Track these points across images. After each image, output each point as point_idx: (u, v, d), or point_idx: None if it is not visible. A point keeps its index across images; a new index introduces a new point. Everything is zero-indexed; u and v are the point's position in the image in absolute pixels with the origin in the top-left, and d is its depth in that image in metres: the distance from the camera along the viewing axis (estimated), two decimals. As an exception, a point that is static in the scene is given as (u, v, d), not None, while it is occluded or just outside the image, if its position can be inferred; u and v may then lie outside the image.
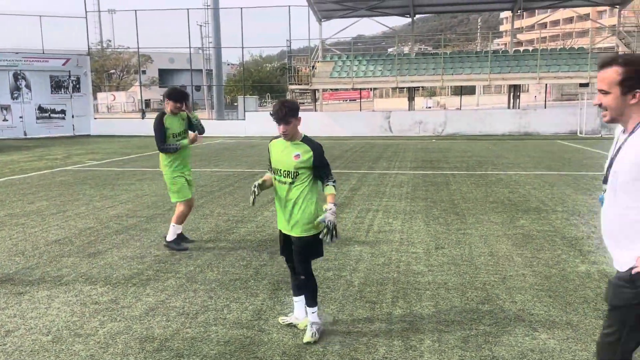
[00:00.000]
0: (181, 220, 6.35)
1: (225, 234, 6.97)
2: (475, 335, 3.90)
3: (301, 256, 3.88)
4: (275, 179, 3.89)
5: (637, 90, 2.27)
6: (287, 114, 3.66)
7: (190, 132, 6.41)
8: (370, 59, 29.16)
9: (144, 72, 59.76)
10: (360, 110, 35.20)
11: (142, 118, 30.64)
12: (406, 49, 35.16)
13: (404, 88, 31.09)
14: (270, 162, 3.94)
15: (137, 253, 6.10)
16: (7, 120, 27.45)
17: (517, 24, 44.23)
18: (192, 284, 5.08)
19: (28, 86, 27.96)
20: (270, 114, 3.74)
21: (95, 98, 55.97)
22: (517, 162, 14.39)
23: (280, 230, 4.00)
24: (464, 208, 8.36)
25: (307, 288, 3.94)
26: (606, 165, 2.47)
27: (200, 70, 49.30)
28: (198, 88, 51.08)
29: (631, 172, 2.25)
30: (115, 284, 5.09)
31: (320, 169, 3.79)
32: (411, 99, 28.77)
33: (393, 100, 55.98)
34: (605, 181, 2.46)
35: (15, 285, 5.06)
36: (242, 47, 30.74)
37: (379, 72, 27.68)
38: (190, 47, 30.77)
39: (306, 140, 3.83)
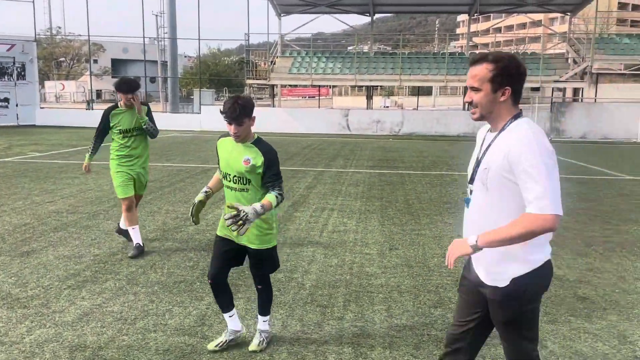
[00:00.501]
0: (128, 222, 5.78)
1: (173, 233, 6.65)
2: (427, 341, 3.79)
3: (260, 270, 3.59)
4: (224, 183, 3.50)
5: (507, 87, 2.24)
6: (240, 114, 3.24)
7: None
8: (330, 56, 29.04)
9: (95, 61, 57.61)
10: (319, 107, 35.10)
11: (87, 109, 29.49)
12: (365, 48, 35.25)
13: (362, 86, 31.16)
14: (218, 162, 3.55)
15: (75, 252, 5.72)
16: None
17: (474, 27, 45.25)
18: (133, 286, 4.77)
19: (-32, 71, 26.39)
20: (221, 112, 3.28)
21: (42, 87, 53.65)
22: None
23: (220, 237, 3.56)
24: (419, 208, 8.33)
25: (265, 297, 3.66)
26: (471, 165, 2.42)
27: (155, 62, 47.96)
28: (153, 80, 49.74)
29: (503, 165, 2.19)
30: (48, 286, 4.72)
31: (268, 176, 3.33)
32: (369, 97, 28.86)
33: (352, 98, 56.17)
34: (471, 181, 2.39)
35: None
36: (199, 39, 30.09)
37: (338, 70, 27.61)
38: (144, 37, 29.82)
39: (259, 142, 3.41)
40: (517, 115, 2.27)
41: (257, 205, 3.17)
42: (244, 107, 3.26)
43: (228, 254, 3.54)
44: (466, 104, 2.35)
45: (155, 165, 12.78)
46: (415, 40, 60.61)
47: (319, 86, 35.11)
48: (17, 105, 27.51)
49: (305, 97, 57.11)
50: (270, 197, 3.29)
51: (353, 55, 28.15)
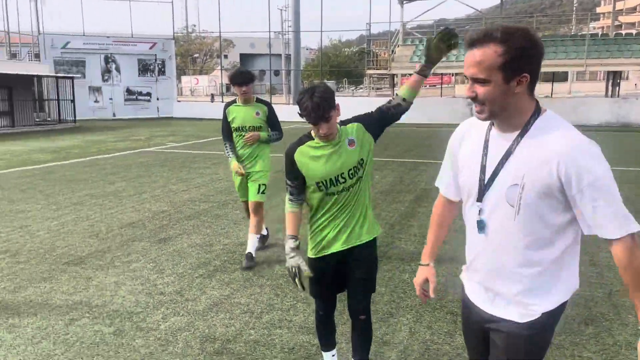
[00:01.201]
0: (252, 228, 5.22)
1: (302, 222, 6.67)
2: (579, 365, 3.31)
3: (368, 281, 2.94)
4: (329, 192, 2.78)
5: (524, 73, 1.65)
6: (324, 109, 2.59)
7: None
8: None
9: (225, 56, 61.23)
10: (441, 96, 33.91)
11: (212, 101, 31.25)
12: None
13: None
14: (296, 184, 2.84)
15: (206, 241, 5.95)
16: (98, 102, 28.96)
17: (619, 4, 40.65)
18: (259, 278, 4.82)
19: (118, 69, 29.30)
20: (300, 114, 2.65)
21: (179, 81, 58.11)
22: (614, 156, 13.06)
23: (319, 258, 2.90)
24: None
25: (368, 333, 3.04)
26: (474, 175, 1.81)
27: (280, 55, 49.61)
28: (277, 73, 51.53)
29: (550, 180, 1.65)
30: (182, 273, 4.93)
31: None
32: (496, 85, 27.18)
33: (476, 86, 53.48)
34: (480, 197, 1.80)
35: (85, 269, 5.03)
36: (321, 31, 30.45)
37: (462, 57, 26.33)
38: (270, 32, 30.89)
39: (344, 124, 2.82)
40: (538, 110, 1.73)
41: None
42: (325, 100, 2.59)
43: (337, 270, 2.94)
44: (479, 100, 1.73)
45: (275, 156, 13.13)
46: (548, 22, 56.12)
47: (442, 74, 33.88)
48: (157, 99, 30.05)
49: (425, 86, 55.62)
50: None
51: (479, 41, 26.68)
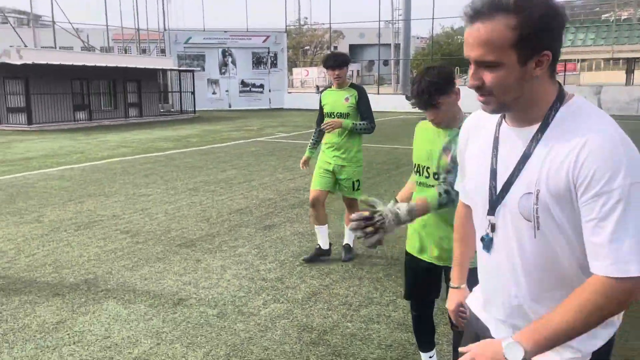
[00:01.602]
0: (312, 218, 5.06)
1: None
2: None
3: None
4: (420, 181, 2.60)
5: (545, 51, 1.24)
6: (432, 95, 2.32)
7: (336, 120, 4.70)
8: (581, 26, 25.58)
9: (335, 47, 61.76)
10: (564, 84, 31.43)
11: (317, 92, 31.59)
12: (625, 14, 30.12)
13: (619, 59, 26.79)
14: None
15: (308, 229, 5.99)
16: (215, 94, 30.66)
17: None
18: (358, 270, 4.75)
19: (234, 62, 30.76)
20: (408, 98, 2.49)
21: (290, 73, 59.73)
22: None
23: (412, 257, 2.71)
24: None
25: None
26: (483, 182, 1.42)
27: (389, 45, 49.01)
28: (386, 63, 50.97)
29: (567, 184, 1.23)
30: (283, 261, 5.00)
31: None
32: (629, 72, 24.64)
33: (605, 73, 49.01)
34: (492, 210, 1.40)
35: (195, 251, 5.29)
36: (433, 19, 29.51)
37: (590, 41, 24.16)
38: (379, 21, 30.58)
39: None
40: (562, 96, 1.32)
41: (404, 207, 2.20)
42: (434, 84, 2.31)
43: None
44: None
45: (382, 147, 12.94)
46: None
47: (565, 61, 31.36)
48: (269, 91, 31.12)
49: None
50: (430, 195, 2.37)
51: (610, 24, 24.30)
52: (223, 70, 30.63)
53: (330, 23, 31.40)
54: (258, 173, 9.60)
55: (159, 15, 31.47)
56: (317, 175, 4.87)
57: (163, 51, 30.98)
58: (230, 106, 30.44)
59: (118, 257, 5.10)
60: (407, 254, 2.75)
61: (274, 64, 31.37)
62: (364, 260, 5.01)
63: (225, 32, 30.66)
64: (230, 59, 30.64)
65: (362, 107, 4.69)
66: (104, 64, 21.64)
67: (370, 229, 2.04)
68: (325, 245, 4.98)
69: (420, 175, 2.59)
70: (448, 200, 2.31)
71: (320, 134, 4.95)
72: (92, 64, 21.06)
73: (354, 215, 2.07)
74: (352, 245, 5.06)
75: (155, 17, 30.52)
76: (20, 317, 3.81)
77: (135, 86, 24.17)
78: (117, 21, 31.89)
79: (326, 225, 5.01)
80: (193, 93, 26.45)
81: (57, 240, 5.65)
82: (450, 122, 2.44)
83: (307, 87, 61.61)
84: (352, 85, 4.79)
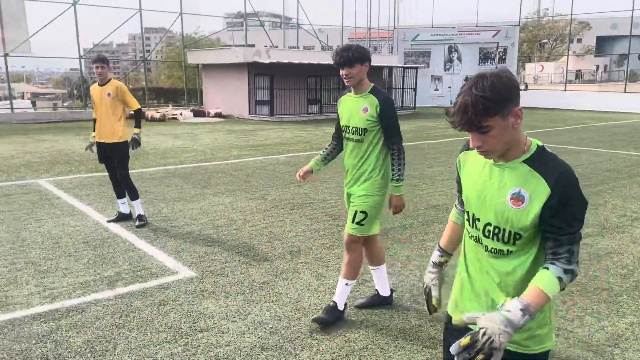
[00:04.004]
0: (342, 270, 3.81)
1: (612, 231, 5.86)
2: None
3: None
4: (470, 227, 1.87)
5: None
6: (477, 115, 1.63)
7: None
8: None
9: (579, 40, 55.81)
10: None
11: (564, 90, 28.85)
12: None
13: None
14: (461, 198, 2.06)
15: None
16: (437, 90, 30.73)
17: None
18: (548, 280, 4.51)
19: (459, 58, 30.36)
20: (447, 114, 1.76)
21: (522, 69, 56.03)
22: None
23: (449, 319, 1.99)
24: None
25: None
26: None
27: (646, 35, 42.28)
28: (641, 56, 44.06)
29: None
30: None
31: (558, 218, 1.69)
32: None
33: None
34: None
35: (385, 240, 5.64)
36: None
37: None
38: (632, 10, 26.70)
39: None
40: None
41: (514, 307, 1.56)
42: (483, 100, 1.61)
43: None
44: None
45: (617, 153, 11.48)
46: None
47: None
48: (495, 88, 29.87)
49: None
50: (546, 280, 1.62)
51: None
52: (447, 67, 30.48)
53: (571, 14, 28.57)
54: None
55: (389, 14, 32.75)
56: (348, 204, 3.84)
57: (393, 48, 32.20)
58: (451, 103, 29.92)
59: (320, 236, 5.75)
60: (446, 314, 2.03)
61: (502, 60, 29.99)
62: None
63: (453, 27, 30.40)
64: (455, 55, 30.32)
65: (386, 121, 3.54)
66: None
67: (481, 356, 1.53)
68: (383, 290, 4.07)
69: (473, 227, 1.83)
70: (571, 280, 1.65)
71: (335, 148, 3.93)
72: (326, 62, 23.13)
73: (453, 350, 1.55)
74: (339, 306, 3.77)
75: (386, 16, 31.77)
76: (237, 273, 4.67)
77: (362, 82, 25.67)
78: (352, 21, 34.19)
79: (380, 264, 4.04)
80: (415, 89, 26.95)
81: (274, 215, 6.60)
82: (507, 152, 1.71)
83: (539, 84, 57.08)
84: (374, 91, 3.59)
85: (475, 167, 1.84)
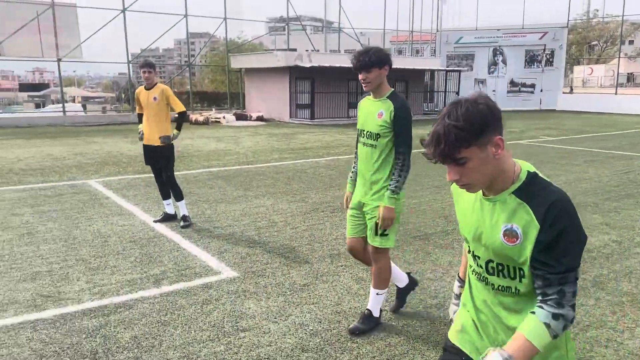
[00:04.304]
0: (372, 280, 3.73)
1: (668, 241, 5.61)
2: None
3: None
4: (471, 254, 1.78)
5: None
6: (451, 146, 1.50)
7: None
8: None
9: (631, 42, 53.72)
10: None
11: (615, 94, 27.78)
12: None
13: None
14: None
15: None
16: (481, 93, 30.14)
17: None
18: (598, 290, 4.36)
19: (504, 61, 29.72)
20: (422, 144, 1.58)
21: (570, 72, 54.36)
22: None
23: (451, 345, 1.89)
24: None
25: None
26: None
27: None
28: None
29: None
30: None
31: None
32: None
33: None
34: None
35: (427, 245, 5.58)
36: None
37: None
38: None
39: None
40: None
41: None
42: (458, 130, 1.48)
43: None
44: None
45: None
46: None
47: None
48: (541, 91, 29.10)
49: None
50: (530, 327, 1.50)
51: None
52: (492, 70, 29.88)
53: (623, 15, 27.54)
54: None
55: (432, 17, 32.40)
56: (351, 220, 3.69)
57: (435, 51, 31.83)
58: (495, 106, 29.51)
59: (360, 240, 5.75)
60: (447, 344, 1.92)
61: (549, 62, 29.18)
62: (608, 281, 4.55)
63: (497, 30, 29.80)
64: (500, 58, 29.70)
65: (398, 128, 3.39)
66: (377, 65, 23.45)
67: None
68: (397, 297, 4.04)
69: (475, 264, 1.73)
70: (564, 327, 1.49)
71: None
72: (367, 66, 23.07)
73: None
74: (374, 313, 3.74)
75: (429, 19, 31.42)
76: (278, 275, 4.72)
77: (403, 86, 25.53)
78: (394, 24, 33.99)
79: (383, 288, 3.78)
80: (457, 93, 26.55)
81: (315, 218, 6.64)
82: (493, 185, 1.58)
83: (588, 87, 55.19)
84: (392, 96, 3.46)
85: (467, 203, 1.71)
